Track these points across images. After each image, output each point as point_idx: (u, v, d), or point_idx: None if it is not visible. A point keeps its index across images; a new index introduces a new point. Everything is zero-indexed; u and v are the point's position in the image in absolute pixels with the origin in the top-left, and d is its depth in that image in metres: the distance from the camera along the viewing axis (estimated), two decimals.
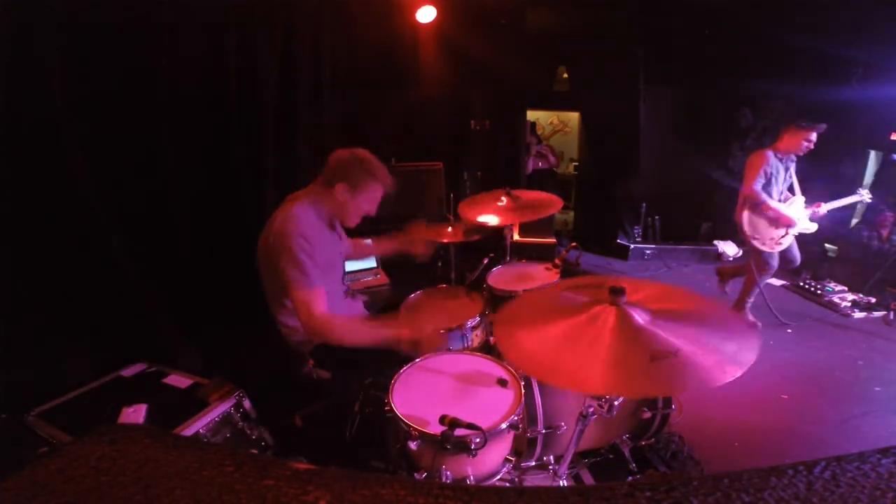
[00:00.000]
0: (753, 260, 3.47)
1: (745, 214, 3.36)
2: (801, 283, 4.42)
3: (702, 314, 1.27)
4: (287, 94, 3.10)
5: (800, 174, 3.53)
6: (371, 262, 3.18)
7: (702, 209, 5.63)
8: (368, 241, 2.34)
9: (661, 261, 5.30)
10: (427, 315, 2.15)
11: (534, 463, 1.86)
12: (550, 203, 2.55)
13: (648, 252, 5.32)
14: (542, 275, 2.47)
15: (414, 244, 2.27)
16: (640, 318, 1.17)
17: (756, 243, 3.36)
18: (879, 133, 5.06)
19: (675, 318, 1.20)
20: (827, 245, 5.22)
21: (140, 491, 0.36)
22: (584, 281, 1.45)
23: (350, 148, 1.87)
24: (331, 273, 1.87)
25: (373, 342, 1.71)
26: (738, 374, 1.02)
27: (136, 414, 1.70)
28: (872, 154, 5.49)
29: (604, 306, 1.21)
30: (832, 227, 5.58)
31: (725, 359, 1.07)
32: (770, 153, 3.30)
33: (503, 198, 2.52)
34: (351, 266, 2.81)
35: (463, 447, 1.32)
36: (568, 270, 2.45)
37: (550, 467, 1.88)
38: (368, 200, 1.87)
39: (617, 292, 1.21)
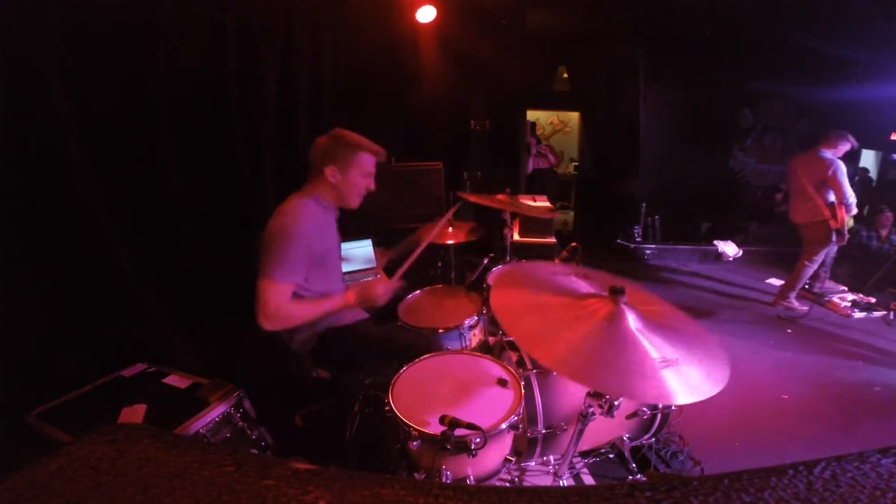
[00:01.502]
0: (820, 253, 3.83)
1: (845, 217, 3.63)
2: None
3: (677, 329, 1.29)
4: (287, 94, 3.10)
5: None
6: (371, 262, 3.17)
7: (702, 209, 5.64)
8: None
9: (661, 261, 5.30)
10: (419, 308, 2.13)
11: (534, 463, 1.86)
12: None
13: (648, 252, 5.32)
14: None
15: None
16: (635, 322, 1.20)
17: (846, 238, 3.69)
18: (879, 133, 5.07)
19: (664, 329, 1.23)
20: None
21: (140, 491, 0.36)
22: (596, 274, 1.48)
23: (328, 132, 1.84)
24: (327, 267, 1.86)
25: (326, 313, 1.77)
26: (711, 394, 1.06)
27: (135, 414, 1.70)
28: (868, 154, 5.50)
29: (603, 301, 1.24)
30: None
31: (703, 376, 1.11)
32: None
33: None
34: (350, 266, 2.80)
35: (463, 447, 1.32)
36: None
37: (550, 467, 1.88)
38: (363, 174, 1.83)
39: (617, 292, 1.22)
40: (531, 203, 3.89)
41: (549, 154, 6.96)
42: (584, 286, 1.38)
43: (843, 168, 3.54)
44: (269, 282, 1.65)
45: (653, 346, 1.14)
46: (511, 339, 2.02)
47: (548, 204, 4.07)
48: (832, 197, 3.58)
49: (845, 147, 3.64)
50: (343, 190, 1.83)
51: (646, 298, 1.37)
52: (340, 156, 1.78)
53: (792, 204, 3.94)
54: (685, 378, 1.09)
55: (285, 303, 1.68)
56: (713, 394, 1.06)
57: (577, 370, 1.09)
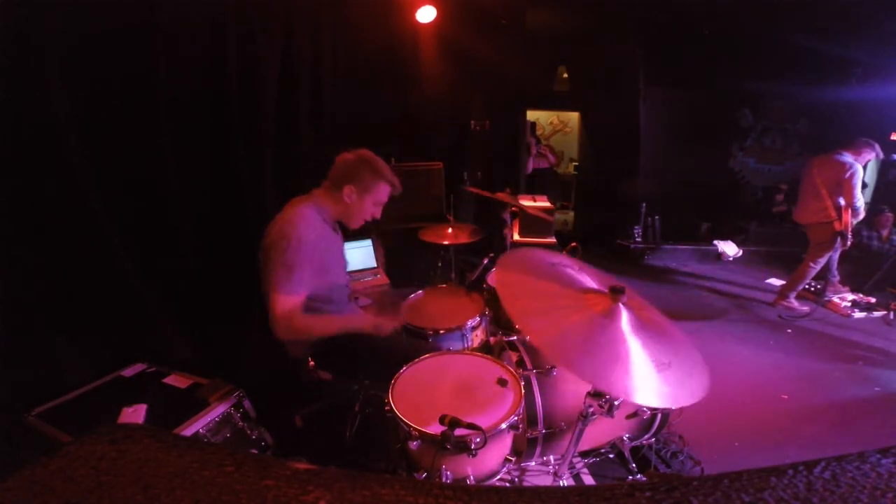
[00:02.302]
0: (825, 255, 3.80)
1: (851, 219, 3.61)
2: None
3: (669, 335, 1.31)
4: (287, 94, 3.09)
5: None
6: (371, 262, 3.18)
7: (702, 209, 5.64)
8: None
9: (661, 261, 5.31)
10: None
11: (534, 463, 1.86)
12: None
13: (648, 252, 5.32)
14: None
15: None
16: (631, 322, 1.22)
17: (849, 242, 3.67)
18: (879, 133, 5.07)
19: (657, 334, 1.25)
20: None
21: (140, 491, 0.36)
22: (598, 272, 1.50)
23: (355, 150, 1.87)
24: (329, 275, 1.86)
25: (341, 330, 1.78)
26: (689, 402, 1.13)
27: (136, 414, 1.70)
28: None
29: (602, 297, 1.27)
30: None
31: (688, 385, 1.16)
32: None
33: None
34: (350, 266, 2.80)
35: (463, 447, 1.32)
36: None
37: (550, 467, 1.88)
38: (375, 202, 1.88)
39: (617, 291, 1.22)
40: (531, 203, 3.90)
41: (549, 154, 6.96)
42: (587, 281, 1.39)
43: (860, 173, 3.56)
44: (278, 296, 1.67)
45: (645, 349, 1.18)
46: (511, 339, 2.03)
47: (548, 204, 4.07)
48: (842, 200, 3.58)
49: (869, 155, 3.64)
50: (352, 211, 1.86)
51: (643, 304, 1.38)
52: (362, 179, 1.82)
53: (800, 204, 3.92)
54: (675, 382, 1.14)
55: (297, 315, 1.70)
56: (686, 403, 1.13)
57: (561, 354, 1.14)
